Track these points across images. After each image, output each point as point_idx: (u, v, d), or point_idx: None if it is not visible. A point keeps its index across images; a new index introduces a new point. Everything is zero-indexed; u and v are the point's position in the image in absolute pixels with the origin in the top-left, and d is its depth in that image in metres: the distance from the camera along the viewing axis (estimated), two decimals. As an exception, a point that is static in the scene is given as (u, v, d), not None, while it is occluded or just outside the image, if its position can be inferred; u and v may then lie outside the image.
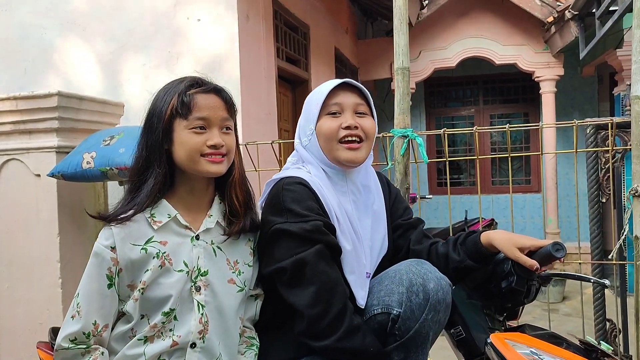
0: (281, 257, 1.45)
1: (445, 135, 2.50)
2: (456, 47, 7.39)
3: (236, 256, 1.53)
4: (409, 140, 2.45)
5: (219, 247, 1.50)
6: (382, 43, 7.50)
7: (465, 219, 5.76)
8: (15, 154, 2.95)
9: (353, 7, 7.43)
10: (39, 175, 2.90)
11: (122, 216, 1.41)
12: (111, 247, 1.40)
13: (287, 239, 1.45)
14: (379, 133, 2.63)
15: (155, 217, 1.44)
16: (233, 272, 1.50)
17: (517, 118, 8.75)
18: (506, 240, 1.52)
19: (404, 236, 1.74)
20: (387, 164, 2.55)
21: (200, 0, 3.46)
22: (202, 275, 1.45)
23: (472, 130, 2.35)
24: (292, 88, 5.14)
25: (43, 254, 2.92)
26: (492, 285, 1.61)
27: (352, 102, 1.59)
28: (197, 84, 1.48)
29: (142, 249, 1.41)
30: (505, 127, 2.33)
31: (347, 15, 7.14)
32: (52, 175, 2.74)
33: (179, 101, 1.44)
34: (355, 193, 1.64)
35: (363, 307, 1.50)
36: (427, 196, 6.17)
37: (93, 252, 1.41)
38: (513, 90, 8.68)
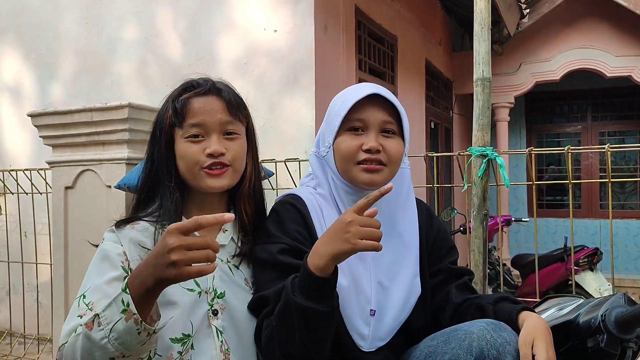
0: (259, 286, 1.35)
1: (532, 155, 2.19)
2: (561, 58, 6.83)
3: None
4: (488, 160, 2.17)
5: (235, 266, 1.34)
6: (478, 55, 7.08)
7: (565, 246, 5.23)
8: (90, 164, 2.99)
9: (449, 17, 7.10)
10: (109, 187, 2.91)
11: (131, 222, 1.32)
12: (120, 243, 1.28)
13: (256, 263, 1.35)
14: (463, 150, 2.37)
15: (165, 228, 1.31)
16: (253, 294, 1.33)
17: (632, 136, 7.94)
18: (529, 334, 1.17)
19: (444, 285, 1.45)
20: (464, 185, 2.27)
21: (277, 11, 3.36)
22: (218, 298, 1.28)
23: (564, 150, 2.02)
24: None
25: (110, 266, 2.91)
26: (575, 343, 1.30)
27: (378, 120, 1.35)
28: (192, 87, 1.34)
29: (149, 251, 1.24)
30: (604, 148, 1.99)
31: (441, 26, 6.82)
32: (118, 187, 2.73)
33: (172, 108, 1.31)
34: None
35: (364, 350, 1.29)
36: (523, 219, 5.66)
37: (97, 252, 1.30)
38: (627, 105, 7.89)
